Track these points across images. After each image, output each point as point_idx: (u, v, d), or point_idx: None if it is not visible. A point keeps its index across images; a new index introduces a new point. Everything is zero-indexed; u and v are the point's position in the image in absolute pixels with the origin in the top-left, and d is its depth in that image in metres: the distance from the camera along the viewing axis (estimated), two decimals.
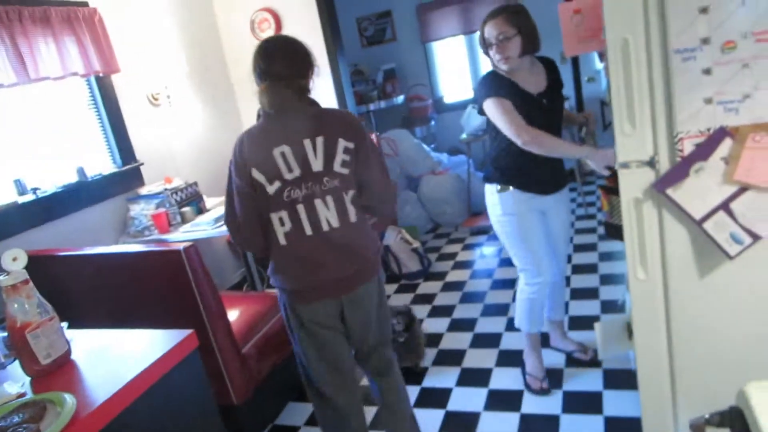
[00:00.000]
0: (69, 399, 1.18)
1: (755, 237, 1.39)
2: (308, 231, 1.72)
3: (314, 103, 1.82)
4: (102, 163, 3.30)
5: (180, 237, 3.05)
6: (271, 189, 1.71)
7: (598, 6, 1.50)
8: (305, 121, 1.75)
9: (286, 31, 4.31)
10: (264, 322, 2.59)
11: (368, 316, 1.88)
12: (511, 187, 2.29)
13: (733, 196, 1.40)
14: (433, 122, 6.30)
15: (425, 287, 3.86)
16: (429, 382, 2.72)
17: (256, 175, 1.71)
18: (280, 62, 1.78)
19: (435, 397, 2.59)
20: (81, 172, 3.06)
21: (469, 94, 6.26)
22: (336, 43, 4.34)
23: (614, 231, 1.72)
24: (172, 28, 3.92)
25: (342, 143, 1.73)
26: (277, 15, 4.29)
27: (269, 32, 4.31)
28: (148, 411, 1.33)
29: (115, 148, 3.35)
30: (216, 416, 1.60)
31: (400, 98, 6.11)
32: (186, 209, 3.30)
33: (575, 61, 5.56)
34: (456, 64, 6.38)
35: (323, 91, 4.33)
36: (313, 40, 4.27)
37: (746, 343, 1.47)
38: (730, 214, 1.40)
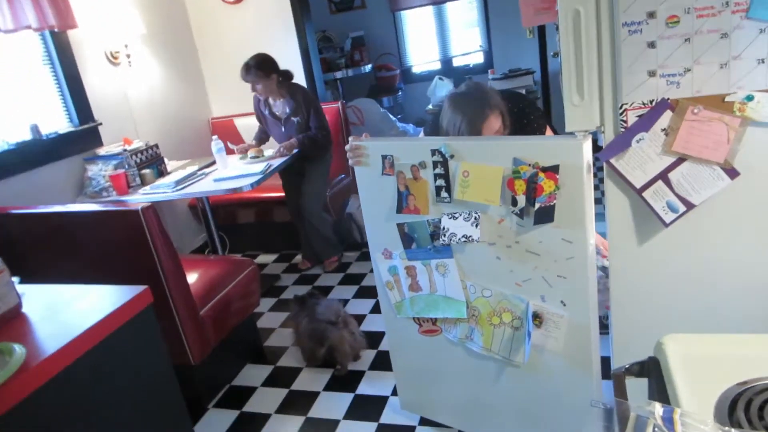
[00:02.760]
0: (18, 349, 1.20)
1: (689, 206, 1.47)
2: None
3: None
4: (58, 121, 3.23)
5: (139, 199, 3.02)
6: None
7: None
8: None
9: None
10: (224, 285, 2.61)
11: None
12: None
13: (671, 167, 1.47)
14: (400, 92, 6.30)
15: None
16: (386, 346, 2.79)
17: None
18: None
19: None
20: (35, 129, 2.98)
21: (437, 66, 6.27)
22: (303, 5, 4.28)
23: (545, 214, 1.77)
24: None
25: None
26: None
27: None
28: (100, 364, 1.35)
29: (72, 106, 3.28)
30: (171, 373, 1.63)
31: (368, 67, 6.09)
32: (146, 171, 3.26)
33: (542, 36, 5.60)
34: (425, 35, 6.37)
35: (289, 56, 4.28)
36: (280, 3, 4.21)
37: (675, 303, 1.56)
38: (668, 183, 1.48)
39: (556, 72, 5.60)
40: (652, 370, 1.01)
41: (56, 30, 3.09)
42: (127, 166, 3.17)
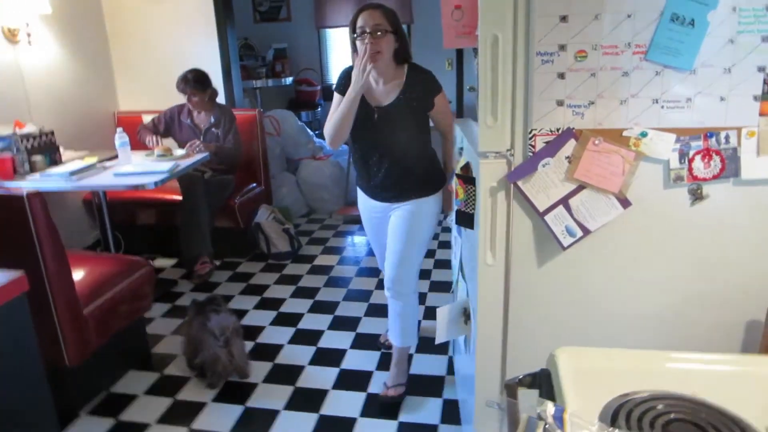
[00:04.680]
0: None
1: (586, 231, 1.55)
2: None
3: None
4: None
5: (25, 185, 2.78)
6: None
7: (477, 5, 1.59)
8: None
9: None
10: (113, 284, 2.43)
11: None
12: (358, 187, 2.43)
13: (572, 193, 1.54)
14: (320, 108, 6.29)
15: (292, 268, 3.84)
16: (284, 359, 2.72)
17: None
18: None
19: (291, 374, 2.59)
20: None
21: None
22: (227, 9, 4.20)
23: (465, 219, 1.83)
24: None
25: None
26: None
27: None
28: None
29: None
30: (40, 371, 1.49)
31: (289, 79, 6.04)
32: (37, 158, 3.01)
33: (459, 70, 5.82)
34: (348, 55, 6.43)
35: (208, 58, 4.16)
36: (202, 2, 4.09)
37: (568, 321, 1.64)
38: (568, 208, 1.55)
39: (471, 106, 5.83)
40: (544, 382, 1.04)
41: None
42: (15, 151, 2.92)
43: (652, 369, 1.04)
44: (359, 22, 2.07)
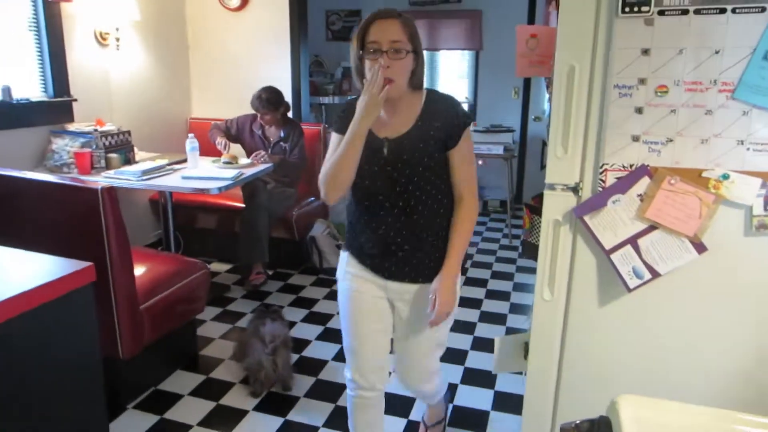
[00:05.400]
0: None
1: (655, 274, 1.47)
2: None
3: None
4: (32, 88, 3.12)
5: (101, 180, 2.91)
6: None
7: (553, 35, 1.56)
8: None
9: (254, 3, 4.24)
10: (170, 283, 2.50)
11: None
12: (347, 250, 1.75)
13: (642, 233, 1.48)
14: None
15: None
16: (327, 376, 2.71)
17: None
18: None
19: (333, 391, 2.58)
20: (6, 91, 2.87)
21: None
22: (301, 27, 4.31)
23: (530, 250, 1.78)
24: None
25: None
26: None
27: (236, 1, 4.23)
28: (26, 333, 1.25)
29: (50, 77, 3.18)
30: (97, 359, 1.52)
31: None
32: (113, 155, 3.15)
33: (526, 99, 5.76)
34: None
35: (280, 72, 4.28)
36: (278, 19, 4.23)
37: (628, 365, 1.55)
38: (636, 249, 1.49)
39: (534, 136, 5.75)
40: (603, 429, 0.98)
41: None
42: (94, 147, 3.07)
43: (718, 428, 0.97)
44: (371, 36, 1.52)
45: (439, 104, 1.62)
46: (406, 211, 1.59)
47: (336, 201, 1.60)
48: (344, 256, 1.75)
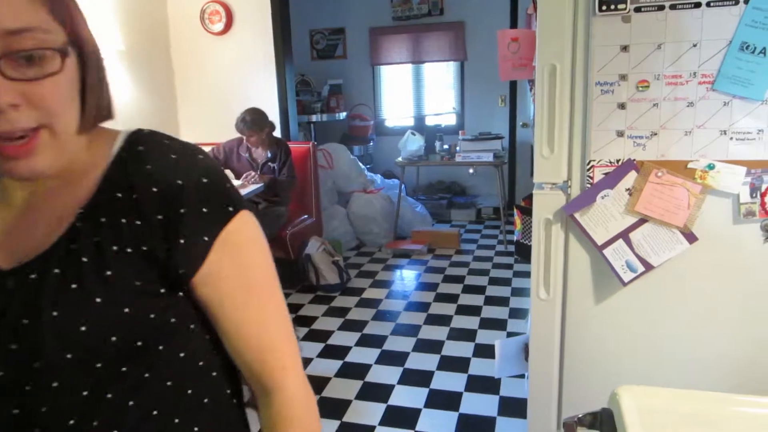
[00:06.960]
0: None
1: (648, 267, 1.48)
2: None
3: None
4: None
5: None
6: None
7: (534, 38, 1.58)
8: None
9: (237, 27, 4.27)
10: None
11: None
12: None
13: (633, 227, 1.49)
14: (372, 143, 6.37)
15: (341, 301, 3.84)
16: (331, 393, 2.69)
17: None
18: None
19: (337, 407, 2.56)
20: None
21: (410, 122, 6.41)
22: (286, 47, 4.34)
23: (523, 250, 1.79)
24: (117, 1, 3.80)
25: None
26: (230, 9, 4.24)
27: (219, 25, 4.25)
28: None
29: None
30: None
31: (343, 114, 6.16)
32: None
33: (513, 106, 5.81)
34: (401, 91, 6.52)
35: (266, 93, 4.30)
36: (263, 39, 4.26)
37: (628, 359, 1.55)
38: (628, 243, 1.49)
39: (523, 141, 5.78)
40: (605, 422, 0.98)
41: None
42: None
43: (719, 412, 0.97)
44: None
45: (154, 163, 0.68)
46: None
47: None
48: None
